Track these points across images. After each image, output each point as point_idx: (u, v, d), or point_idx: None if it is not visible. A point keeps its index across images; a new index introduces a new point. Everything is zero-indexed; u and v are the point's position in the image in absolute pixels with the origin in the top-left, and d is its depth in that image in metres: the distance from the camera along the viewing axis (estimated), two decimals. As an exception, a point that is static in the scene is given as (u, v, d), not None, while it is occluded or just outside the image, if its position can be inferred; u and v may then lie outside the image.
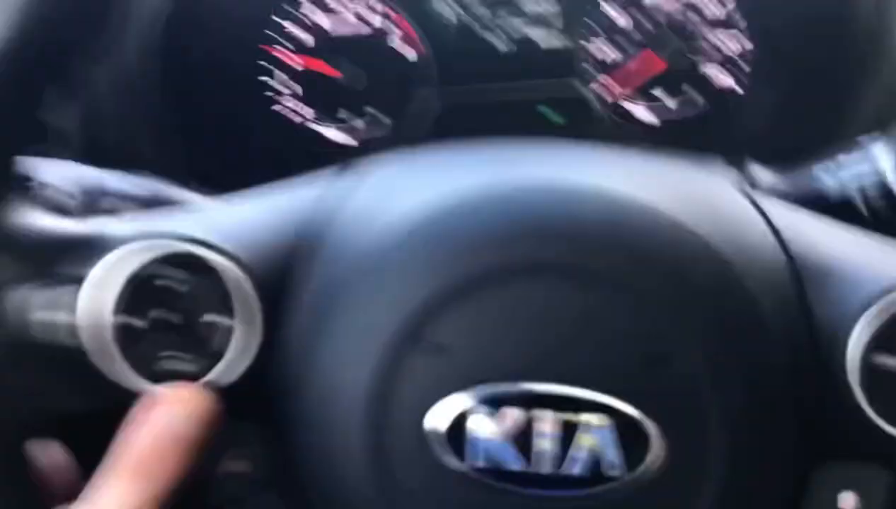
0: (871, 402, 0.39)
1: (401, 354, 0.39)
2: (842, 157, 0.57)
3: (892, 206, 0.56)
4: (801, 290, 0.41)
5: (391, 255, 0.41)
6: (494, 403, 0.38)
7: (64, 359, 0.42)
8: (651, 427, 0.38)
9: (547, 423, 0.38)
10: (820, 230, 0.44)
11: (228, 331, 0.42)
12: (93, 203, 0.53)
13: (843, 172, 0.57)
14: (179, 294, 0.41)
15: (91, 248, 0.42)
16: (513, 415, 0.38)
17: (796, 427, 0.40)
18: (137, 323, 0.41)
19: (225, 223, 0.44)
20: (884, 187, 0.55)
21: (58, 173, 0.53)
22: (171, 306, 0.41)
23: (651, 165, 0.46)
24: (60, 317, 0.41)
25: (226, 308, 0.41)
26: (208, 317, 0.42)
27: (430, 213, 0.41)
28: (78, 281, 0.41)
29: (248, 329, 0.42)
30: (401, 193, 0.44)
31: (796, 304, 0.41)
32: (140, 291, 0.41)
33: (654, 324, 0.39)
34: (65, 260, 0.43)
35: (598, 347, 0.39)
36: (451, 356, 0.39)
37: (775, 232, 0.42)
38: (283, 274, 0.43)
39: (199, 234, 0.42)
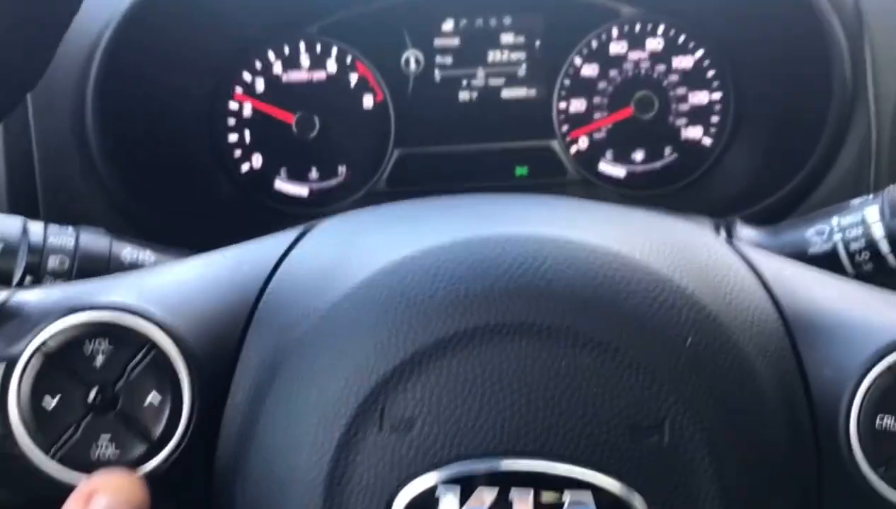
0: (875, 466, 0.36)
1: (361, 432, 0.34)
2: (832, 218, 0.54)
3: (879, 267, 0.53)
4: (795, 350, 0.38)
5: (345, 322, 0.36)
6: (467, 483, 0.33)
7: None
8: (640, 504, 0.33)
9: (526, 504, 0.33)
10: (810, 283, 0.41)
11: (160, 410, 0.37)
12: (29, 257, 0.50)
13: (832, 233, 0.54)
14: (105, 369, 0.37)
15: (12, 322, 0.38)
16: (488, 496, 0.33)
17: (795, 498, 0.37)
18: (63, 404, 0.37)
19: (156, 289, 0.40)
20: (872, 248, 0.53)
21: None
22: (98, 384, 0.37)
23: (634, 218, 0.42)
24: None
25: (157, 383, 0.37)
26: (138, 395, 0.37)
27: (387, 274, 0.37)
28: (0, 360, 0.37)
29: (182, 407, 0.37)
30: (353, 255, 0.39)
31: (791, 365, 0.38)
32: (65, 369, 0.37)
33: (641, 391, 0.34)
34: None
35: (580, 417, 0.34)
36: (418, 431, 0.34)
37: (766, 287, 0.39)
38: (220, 345, 0.38)
39: (128, 301, 0.38)
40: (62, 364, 0.37)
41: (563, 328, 0.35)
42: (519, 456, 0.33)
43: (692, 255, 0.39)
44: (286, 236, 0.43)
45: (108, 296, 0.38)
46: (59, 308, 0.38)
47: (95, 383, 0.37)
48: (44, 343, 0.37)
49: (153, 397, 0.37)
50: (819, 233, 0.54)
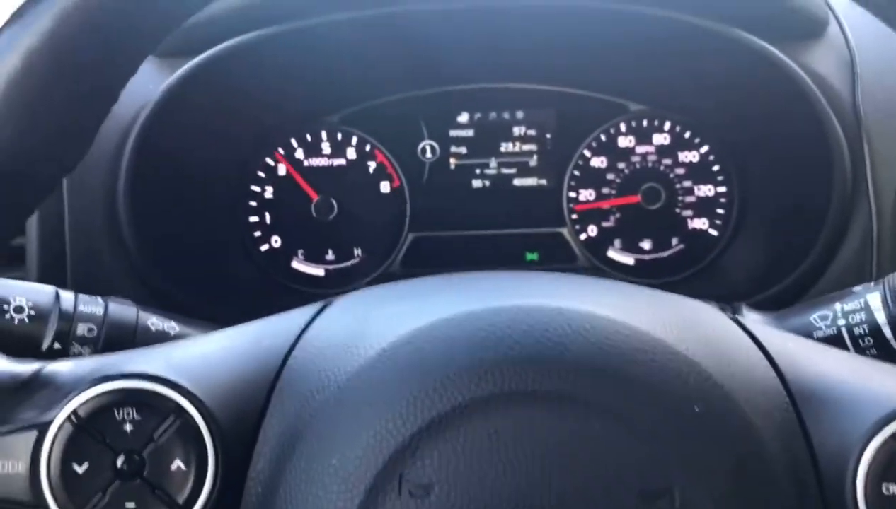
0: None
1: (381, 498, 0.35)
2: (836, 304, 0.55)
3: (883, 352, 0.54)
4: (800, 420, 0.39)
5: (363, 391, 0.38)
6: None
7: None
8: None
9: None
10: (813, 355, 0.42)
11: (185, 476, 0.38)
12: (60, 323, 0.51)
13: (836, 318, 0.56)
14: (133, 436, 0.38)
15: (45, 391, 0.40)
16: None
17: None
18: (92, 471, 0.38)
19: (182, 360, 0.41)
20: (876, 334, 0.54)
21: (24, 293, 0.50)
22: (125, 450, 0.38)
23: (642, 293, 0.44)
24: (14, 467, 0.38)
25: (183, 450, 0.38)
26: (164, 461, 0.38)
27: (403, 345, 0.38)
28: (32, 427, 0.38)
29: (206, 473, 0.38)
30: (371, 326, 0.41)
31: (797, 435, 0.38)
32: (94, 436, 0.38)
33: (651, 457, 0.35)
34: (18, 405, 0.39)
35: (592, 482, 0.35)
36: (435, 497, 0.35)
37: (770, 359, 0.40)
38: (244, 413, 0.40)
39: (156, 371, 0.39)
40: (92, 431, 0.38)
41: (575, 396, 0.36)
42: None
43: (699, 328, 0.41)
44: (306, 311, 0.45)
45: (137, 367, 0.40)
46: (90, 377, 0.39)
47: (123, 449, 0.38)
48: (75, 411, 0.38)
49: (178, 464, 0.38)
50: (823, 318, 0.56)
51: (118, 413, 0.38)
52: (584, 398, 0.36)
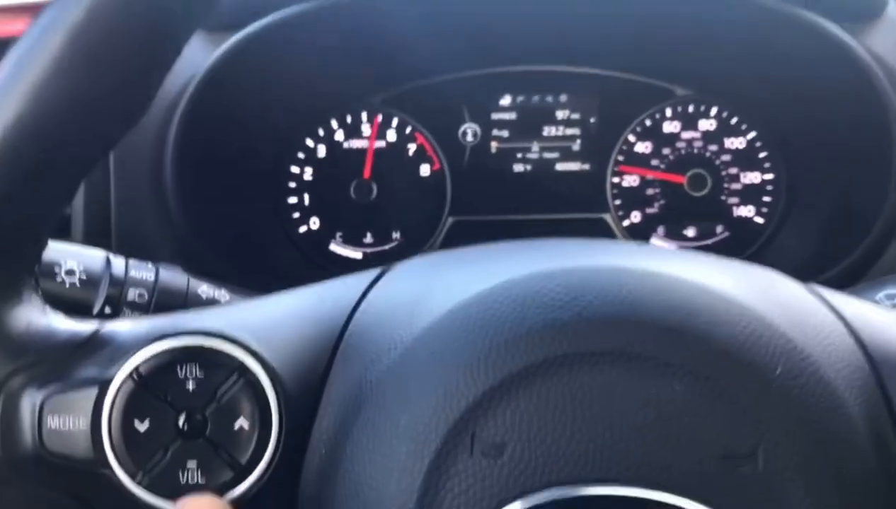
0: None
1: (452, 457, 0.34)
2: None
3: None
4: (882, 390, 0.37)
5: (433, 350, 0.36)
6: None
7: (80, 472, 0.37)
8: None
9: None
10: (891, 320, 0.41)
11: (248, 436, 0.37)
12: (110, 288, 0.51)
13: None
14: (195, 394, 0.38)
15: (105, 349, 0.39)
16: None
17: None
18: (153, 429, 0.37)
19: (245, 319, 0.40)
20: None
21: (75, 257, 0.50)
22: (187, 409, 0.38)
23: (712, 260, 0.43)
24: (76, 424, 0.37)
25: (246, 409, 0.37)
26: (227, 420, 0.37)
27: (474, 304, 0.37)
28: (93, 384, 0.38)
29: (270, 433, 0.37)
30: (437, 289, 0.40)
31: (879, 404, 0.37)
32: (156, 394, 0.37)
33: (733, 420, 0.34)
34: (78, 362, 0.39)
35: (672, 446, 0.34)
36: (508, 457, 0.33)
37: (849, 327, 0.39)
38: (307, 374, 0.39)
39: (218, 329, 0.39)
40: (154, 388, 0.37)
41: (653, 356, 0.35)
42: (611, 483, 0.33)
43: (775, 293, 0.39)
44: (365, 276, 0.44)
45: (199, 324, 0.39)
46: (151, 334, 0.39)
47: (185, 408, 0.37)
48: (136, 368, 0.37)
49: (242, 423, 0.37)
50: (889, 297, 0.54)
51: (180, 370, 0.38)
52: (663, 358, 0.35)
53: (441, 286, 0.40)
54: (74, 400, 0.37)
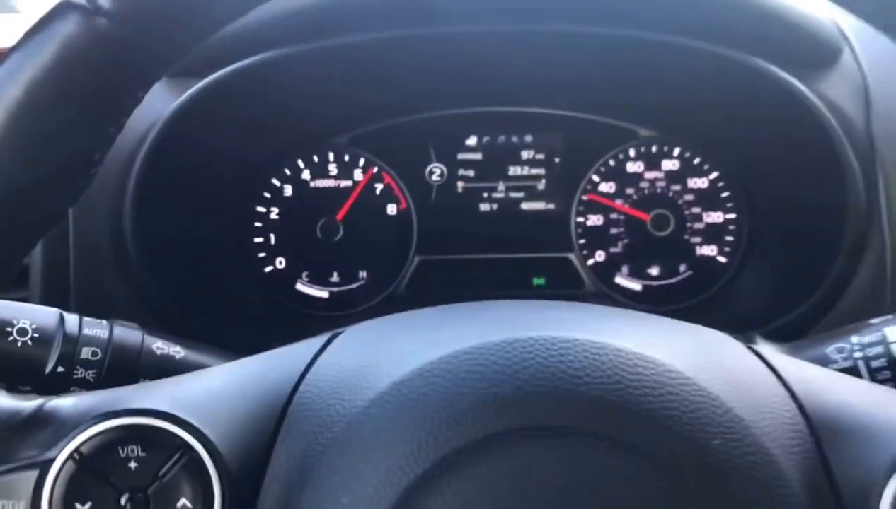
0: None
1: None
2: (853, 337, 0.54)
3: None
4: (820, 451, 0.38)
5: (374, 426, 0.37)
6: None
7: None
8: None
9: None
10: (832, 385, 0.41)
11: None
12: (63, 346, 0.50)
13: (853, 351, 0.55)
14: (137, 474, 0.37)
15: (47, 428, 0.39)
16: None
17: None
18: None
19: (187, 396, 0.40)
20: (894, 367, 0.53)
21: (28, 316, 0.50)
22: (129, 489, 0.37)
23: (658, 322, 0.43)
24: (16, 508, 0.37)
25: (189, 488, 0.37)
26: (170, 500, 0.37)
27: (415, 378, 0.37)
28: (33, 466, 0.37)
29: None
30: (381, 360, 0.40)
31: (817, 466, 0.37)
32: (98, 474, 0.37)
33: (672, 493, 0.34)
34: (20, 443, 0.38)
35: None
36: None
37: (788, 389, 0.39)
38: (251, 450, 0.39)
39: (161, 407, 0.38)
40: (96, 469, 0.37)
41: (593, 431, 0.35)
42: None
43: (716, 359, 0.40)
44: (313, 343, 0.44)
45: (141, 402, 0.39)
46: (93, 412, 0.38)
47: (127, 488, 0.37)
48: (77, 448, 0.37)
49: (184, 502, 0.37)
50: (839, 351, 0.55)
51: (122, 450, 0.37)
52: (602, 432, 0.35)
53: (386, 357, 0.40)
54: (15, 482, 0.37)
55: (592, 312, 0.44)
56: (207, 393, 0.40)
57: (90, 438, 0.37)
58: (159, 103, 0.72)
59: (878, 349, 0.54)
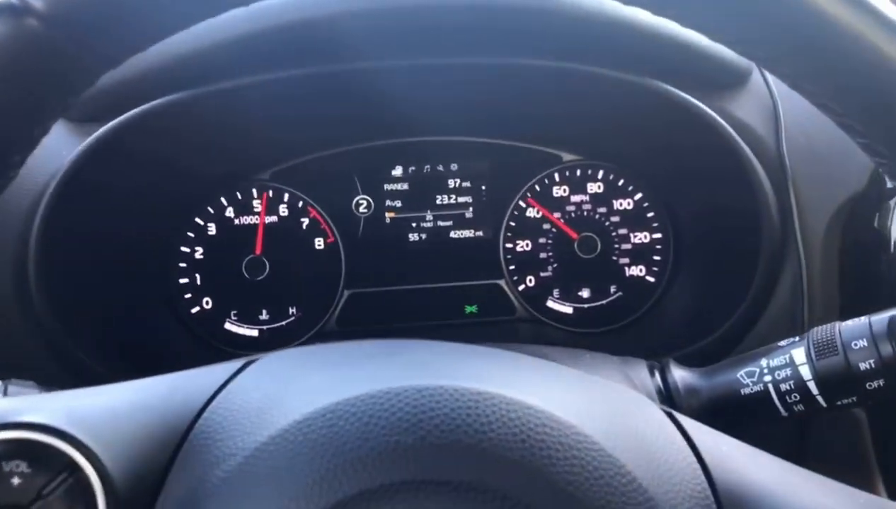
0: None
1: None
2: (762, 360, 0.55)
3: (810, 408, 0.54)
4: None
5: (271, 465, 0.35)
6: None
7: None
8: None
9: None
10: (746, 461, 0.40)
11: None
12: None
13: (762, 374, 0.55)
14: (19, 491, 0.35)
15: None
16: None
17: None
18: None
19: (84, 410, 0.38)
20: (802, 390, 0.54)
21: None
22: (12, 506, 0.35)
23: (576, 379, 0.42)
24: None
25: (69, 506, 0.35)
26: None
27: (318, 418, 0.36)
28: None
29: None
30: (288, 395, 0.39)
31: None
32: None
33: None
34: None
35: None
36: None
37: (701, 461, 0.39)
38: (144, 475, 0.37)
39: (51, 421, 0.37)
40: None
41: (492, 490, 0.34)
42: None
43: (629, 424, 0.39)
44: (227, 368, 0.42)
45: (32, 415, 0.37)
46: None
47: (8, 505, 0.35)
48: None
49: None
50: (750, 375, 0.55)
51: (6, 464, 0.35)
52: (501, 491, 0.34)
53: (294, 391, 0.39)
54: None
55: (512, 363, 0.43)
56: (106, 409, 0.39)
57: None
58: (63, 149, 0.70)
59: (786, 371, 0.54)
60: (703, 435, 0.41)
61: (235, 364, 0.43)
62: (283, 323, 0.90)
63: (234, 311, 0.89)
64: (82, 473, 0.36)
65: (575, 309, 0.91)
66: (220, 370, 0.42)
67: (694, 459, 0.38)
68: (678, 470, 0.37)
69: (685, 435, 0.40)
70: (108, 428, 0.37)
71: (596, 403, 0.40)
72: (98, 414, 0.38)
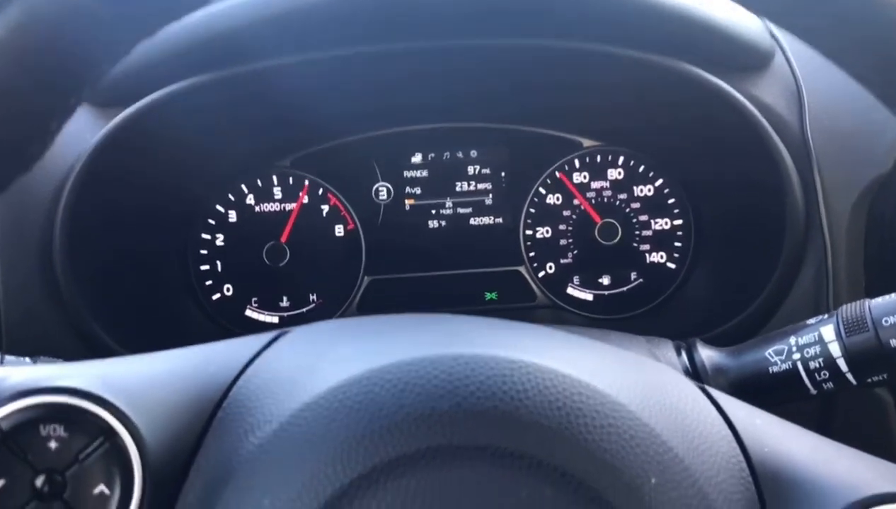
0: None
1: None
2: (791, 338, 0.54)
3: (840, 385, 0.53)
4: (761, 500, 0.37)
5: (305, 431, 0.35)
6: None
7: None
8: None
9: None
10: (780, 434, 0.40)
11: (107, 503, 0.36)
12: None
13: (791, 352, 0.55)
14: (57, 455, 0.36)
15: None
16: None
17: None
18: (8, 488, 0.36)
19: (120, 377, 0.39)
20: (831, 367, 0.53)
21: None
22: (47, 470, 0.36)
23: (609, 352, 0.42)
24: None
25: (108, 475, 0.36)
26: (87, 485, 0.36)
27: (353, 385, 0.36)
28: None
29: (131, 503, 0.36)
30: (321, 364, 0.39)
31: None
32: (15, 451, 0.36)
33: None
34: None
35: None
36: None
37: (736, 435, 0.38)
38: (178, 442, 0.37)
39: (88, 387, 0.37)
40: (13, 445, 0.36)
41: (528, 456, 0.34)
42: None
43: (663, 396, 0.39)
44: (260, 339, 0.42)
45: (70, 381, 0.37)
46: (16, 389, 0.37)
47: (45, 469, 0.36)
48: None
49: (102, 488, 0.36)
50: (778, 353, 0.55)
51: (43, 428, 0.36)
52: (537, 458, 0.34)
53: (328, 360, 0.39)
54: None
55: (545, 336, 0.43)
56: (142, 377, 0.39)
57: (10, 414, 0.36)
58: (87, 133, 0.70)
59: (815, 349, 0.54)
60: (737, 408, 0.40)
61: (268, 335, 0.43)
62: (304, 309, 0.90)
63: (255, 298, 0.90)
64: (118, 439, 0.36)
65: (595, 296, 0.91)
66: (254, 341, 0.42)
67: (728, 432, 0.38)
68: (713, 442, 0.37)
69: (719, 409, 0.40)
70: (145, 395, 0.38)
71: (630, 375, 0.40)
72: (134, 381, 0.39)
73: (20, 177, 0.37)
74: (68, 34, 0.35)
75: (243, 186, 0.89)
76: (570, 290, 0.91)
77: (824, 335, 0.54)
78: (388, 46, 0.77)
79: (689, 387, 0.41)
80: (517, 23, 0.74)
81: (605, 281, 0.91)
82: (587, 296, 0.91)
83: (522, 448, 0.34)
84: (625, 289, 0.90)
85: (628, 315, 0.89)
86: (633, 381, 0.39)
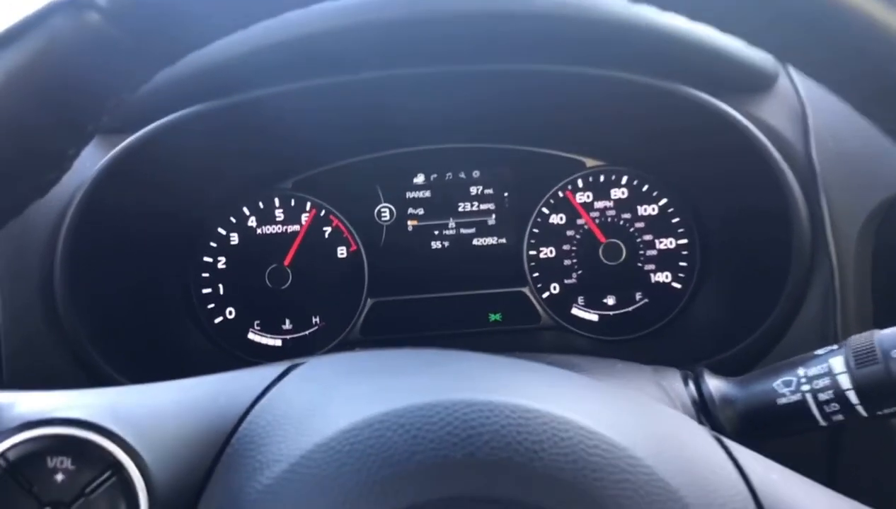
0: None
1: None
2: (799, 369, 0.54)
3: (850, 417, 0.53)
4: None
5: (315, 474, 0.35)
6: None
7: None
8: None
9: None
10: (796, 492, 0.39)
11: None
12: None
13: (800, 384, 0.54)
14: (63, 488, 0.36)
15: None
16: None
17: None
18: None
19: (129, 409, 0.38)
20: (841, 399, 0.52)
21: None
22: (52, 503, 0.36)
23: (624, 398, 0.41)
24: None
25: (112, 508, 0.36)
26: None
27: (364, 429, 0.36)
28: None
29: None
30: (334, 401, 0.38)
31: None
32: (22, 483, 0.36)
33: None
34: None
35: None
36: None
37: (752, 490, 0.37)
38: (186, 478, 0.37)
39: (97, 419, 0.37)
40: (20, 477, 0.35)
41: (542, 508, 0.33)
42: None
43: (680, 449, 0.38)
44: (268, 371, 0.42)
45: (79, 411, 0.37)
46: (24, 418, 0.36)
47: (50, 501, 0.35)
48: (3, 453, 0.35)
49: None
50: (787, 384, 0.54)
51: (50, 460, 0.36)
52: None
53: (340, 398, 0.38)
54: None
55: (563, 380, 0.42)
56: (151, 409, 0.38)
57: (17, 444, 0.35)
58: (88, 161, 0.70)
59: (825, 381, 0.53)
60: (753, 462, 0.40)
61: (279, 367, 0.42)
62: (307, 332, 0.89)
63: (258, 321, 0.89)
64: (126, 473, 0.36)
65: (600, 316, 0.90)
66: (265, 372, 0.42)
67: (745, 487, 0.37)
68: (729, 497, 0.37)
69: (735, 462, 0.39)
70: (153, 429, 0.37)
71: (647, 426, 0.39)
72: (144, 413, 0.38)
73: (36, 201, 0.37)
74: (90, 63, 0.35)
75: (245, 209, 0.89)
76: (574, 311, 0.90)
77: (834, 366, 0.53)
78: (390, 71, 0.77)
79: (706, 439, 0.40)
80: (520, 47, 0.73)
81: (610, 301, 0.90)
82: (592, 316, 0.90)
83: (536, 502, 0.34)
84: (630, 309, 0.90)
85: (634, 336, 0.89)
86: (651, 434, 0.38)
